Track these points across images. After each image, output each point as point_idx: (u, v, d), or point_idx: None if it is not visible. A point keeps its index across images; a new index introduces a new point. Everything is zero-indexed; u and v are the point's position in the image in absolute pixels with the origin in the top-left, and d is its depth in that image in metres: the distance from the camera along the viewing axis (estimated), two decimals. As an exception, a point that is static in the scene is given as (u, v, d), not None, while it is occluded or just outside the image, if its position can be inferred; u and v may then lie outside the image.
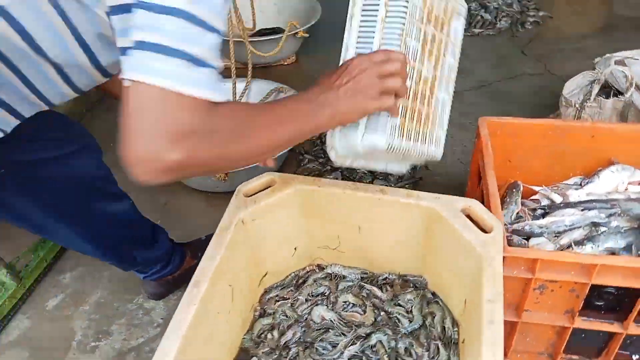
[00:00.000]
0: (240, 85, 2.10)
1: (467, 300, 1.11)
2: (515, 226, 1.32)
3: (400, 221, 1.17)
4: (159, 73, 0.63)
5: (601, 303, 1.13)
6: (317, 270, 1.37)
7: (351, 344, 1.19)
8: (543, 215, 1.37)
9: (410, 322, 1.22)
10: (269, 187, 1.20)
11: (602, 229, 1.27)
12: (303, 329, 1.25)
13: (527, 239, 1.30)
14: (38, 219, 1.10)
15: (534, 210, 1.40)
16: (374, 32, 0.96)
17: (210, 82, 0.67)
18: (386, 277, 1.32)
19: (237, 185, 1.21)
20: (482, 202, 1.16)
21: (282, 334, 1.24)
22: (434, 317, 1.22)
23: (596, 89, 1.67)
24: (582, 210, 1.31)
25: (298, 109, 0.84)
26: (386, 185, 1.80)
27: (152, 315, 1.47)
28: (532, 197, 1.46)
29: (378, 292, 1.29)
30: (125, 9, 0.68)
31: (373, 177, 1.84)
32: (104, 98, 2.53)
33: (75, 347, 1.41)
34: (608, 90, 1.77)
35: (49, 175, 1.05)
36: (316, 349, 1.20)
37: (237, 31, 2.01)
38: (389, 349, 1.18)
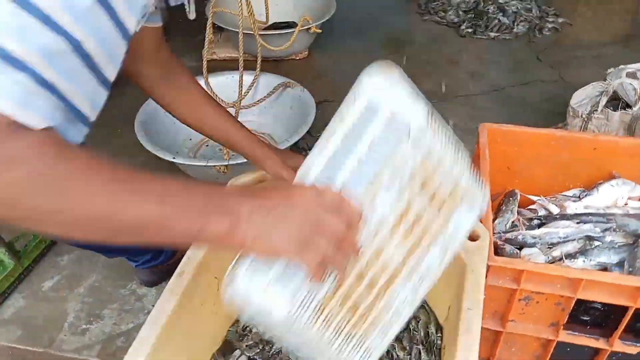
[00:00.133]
0: (249, 78, 2.11)
1: (450, 306, 1.10)
2: (508, 235, 1.31)
3: (389, 224, 1.16)
4: None
5: (587, 318, 1.12)
6: (307, 268, 1.37)
7: (334, 343, 1.19)
8: (539, 226, 1.36)
9: (395, 325, 1.22)
10: (260, 182, 1.20)
11: (596, 243, 1.25)
12: (288, 325, 1.25)
13: (520, 248, 1.29)
14: None
15: (530, 220, 1.39)
16: (343, 165, 0.68)
17: (23, 94, 0.49)
18: (374, 279, 1.32)
19: (238, 177, 1.22)
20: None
21: (267, 328, 1.25)
22: (418, 322, 1.21)
23: (604, 100, 1.64)
24: (578, 223, 1.30)
25: (186, 194, 0.60)
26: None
27: (143, 302, 1.49)
28: (529, 207, 1.45)
29: (365, 293, 1.29)
30: None
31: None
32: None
33: (67, 328, 1.44)
34: (617, 102, 1.74)
35: None
36: (299, 345, 1.21)
37: (247, 24, 2.02)
38: (371, 350, 1.18)
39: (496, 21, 3.07)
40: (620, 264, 1.19)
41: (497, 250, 1.29)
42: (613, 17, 3.28)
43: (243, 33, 1.98)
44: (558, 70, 2.62)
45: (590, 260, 1.21)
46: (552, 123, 2.02)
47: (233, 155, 1.72)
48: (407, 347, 1.18)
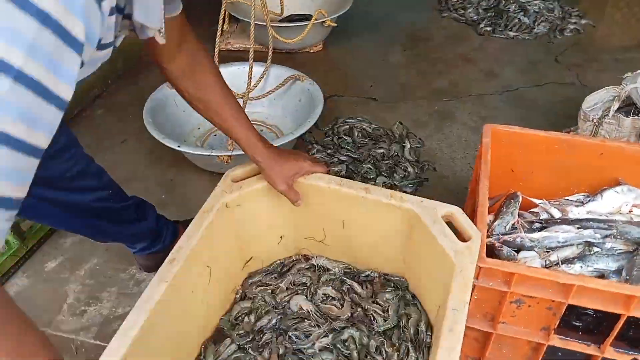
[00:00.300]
0: (260, 70, 2.11)
1: (440, 306, 1.09)
2: (506, 237, 1.29)
3: (383, 221, 1.16)
4: None
5: (579, 324, 1.10)
6: (303, 261, 1.38)
7: (324, 336, 1.20)
8: (540, 229, 1.34)
9: (385, 321, 1.22)
10: (258, 174, 1.21)
11: (596, 249, 1.23)
12: (279, 316, 1.26)
13: (518, 251, 1.27)
14: None
15: (532, 223, 1.37)
16: None
17: None
18: (368, 275, 1.32)
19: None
20: (476, 210, 1.14)
21: (258, 318, 1.26)
22: (409, 319, 1.21)
23: (615, 105, 1.60)
24: (579, 228, 1.27)
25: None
26: (390, 183, 1.80)
27: (142, 287, 1.51)
28: (531, 210, 1.43)
29: (358, 288, 1.29)
30: None
31: (377, 173, 1.83)
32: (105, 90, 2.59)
33: (66, 309, 1.46)
34: (631, 107, 1.69)
35: None
36: (289, 337, 1.21)
37: (261, 15, 2.02)
38: (360, 345, 1.18)
39: (516, 20, 3.02)
40: (618, 272, 1.17)
41: (494, 252, 1.27)
42: (640, 21, 3.20)
43: (256, 24, 1.98)
44: (576, 73, 2.57)
45: (588, 266, 1.19)
46: (564, 126, 1.99)
47: (237, 146, 1.72)
48: (397, 344, 1.18)
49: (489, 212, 1.43)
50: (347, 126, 2.09)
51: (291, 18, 2.74)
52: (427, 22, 3.16)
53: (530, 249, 1.26)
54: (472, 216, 1.18)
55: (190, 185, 1.88)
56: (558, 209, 1.37)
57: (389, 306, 1.24)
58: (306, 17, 2.73)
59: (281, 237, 1.33)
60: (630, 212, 1.33)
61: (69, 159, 1.11)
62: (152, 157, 2.02)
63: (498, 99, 2.38)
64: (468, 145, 2.05)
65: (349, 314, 1.24)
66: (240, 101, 1.91)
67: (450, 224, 1.08)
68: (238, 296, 1.33)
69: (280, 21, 2.69)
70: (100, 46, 0.69)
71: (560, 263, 1.19)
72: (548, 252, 1.25)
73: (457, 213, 1.08)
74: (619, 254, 1.20)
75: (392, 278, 1.30)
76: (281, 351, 1.19)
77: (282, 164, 1.16)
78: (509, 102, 2.36)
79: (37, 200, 1.10)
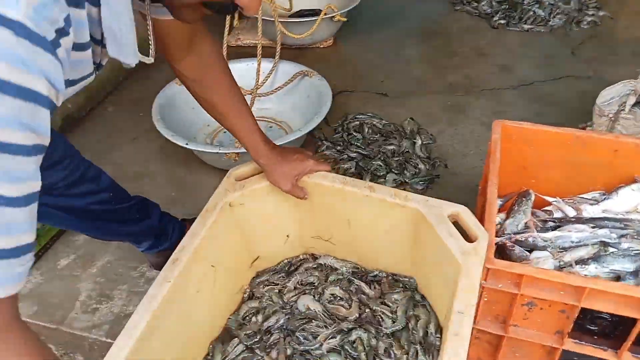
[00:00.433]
0: (269, 66, 2.10)
1: (448, 307, 1.07)
2: (518, 236, 1.26)
3: (388, 220, 1.14)
4: None
5: (594, 327, 1.07)
6: (310, 260, 1.37)
7: (331, 337, 1.19)
8: (554, 228, 1.31)
9: (394, 322, 1.20)
10: (261, 172, 1.19)
11: (611, 249, 1.19)
12: (287, 317, 1.25)
13: (531, 251, 1.24)
14: None
15: (545, 222, 1.33)
16: None
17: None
18: (376, 275, 1.30)
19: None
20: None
21: (266, 318, 1.26)
22: (418, 321, 1.19)
23: (632, 99, 1.56)
24: (593, 227, 1.24)
25: None
26: (401, 180, 1.77)
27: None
28: (544, 208, 1.39)
29: (366, 289, 1.27)
30: None
31: (388, 169, 1.81)
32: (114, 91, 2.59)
33: (79, 307, 1.48)
34: (649, 101, 1.65)
35: None
36: (297, 337, 1.20)
37: (269, 10, 2.00)
38: (368, 346, 1.17)
39: (531, 13, 2.95)
40: (635, 273, 1.13)
41: (506, 252, 1.25)
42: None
43: (266, 20, 1.97)
44: (593, 67, 2.51)
45: (603, 267, 1.15)
46: (581, 122, 1.94)
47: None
48: (406, 346, 1.16)
49: (501, 211, 1.40)
50: (357, 122, 2.06)
51: (301, 13, 2.72)
52: (440, 15, 3.11)
53: (543, 248, 1.23)
54: (482, 215, 1.16)
55: (199, 183, 1.88)
56: (572, 207, 1.34)
57: (397, 307, 1.22)
58: (316, 12, 2.70)
59: (287, 236, 1.32)
60: (647, 210, 1.30)
61: (66, 167, 1.13)
62: (163, 155, 2.02)
63: (513, 93, 2.34)
64: (480, 141, 2.02)
65: (357, 315, 1.23)
66: (249, 98, 1.90)
67: (457, 224, 1.06)
68: (246, 295, 1.32)
69: (290, 16, 2.67)
70: (72, 82, 0.72)
71: (573, 264, 1.16)
72: (561, 252, 1.22)
73: (464, 212, 1.06)
74: (636, 254, 1.16)
75: (401, 278, 1.28)
76: (289, 352, 1.18)
77: (286, 165, 1.16)
78: (524, 97, 2.31)
79: (38, 205, 1.12)
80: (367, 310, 1.24)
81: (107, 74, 2.36)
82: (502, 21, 2.93)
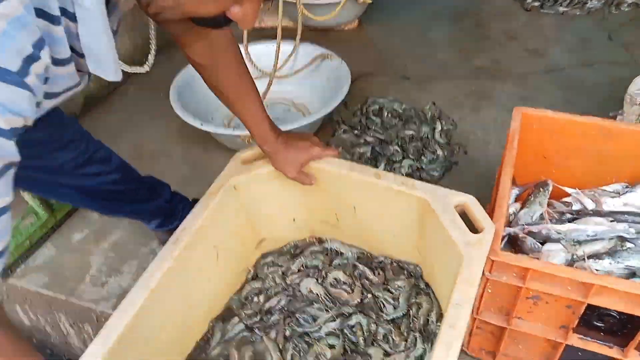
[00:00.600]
0: (288, 48, 2.07)
1: (447, 298, 1.04)
2: (532, 227, 1.21)
3: (394, 207, 1.12)
4: None
5: (601, 324, 1.02)
6: (316, 243, 1.35)
7: (331, 320, 1.18)
8: (571, 221, 1.25)
9: (395, 309, 1.18)
10: (264, 157, 1.18)
11: (628, 244, 1.13)
12: (289, 298, 1.25)
13: (544, 243, 1.19)
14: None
15: (562, 214, 1.28)
16: None
17: None
18: (382, 261, 1.28)
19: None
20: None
21: (267, 299, 1.26)
22: (420, 309, 1.17)
23: (665, 87, 1.47)
24: (612, 221, 1.18)
25: None
26: (417, 166, 1.73)
27: (161, 262, 1.54)
28: (563, 200, 1.34)
29: (369, 275, 1.25)
30: None
31: (404, 155, 1.77)
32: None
33: (89, 280, 1.51)
34: (685, 90, 1.55)
35: (37, 165, 1.08)
36: (297, 319, 1.20)
37: (290, -9, 1.97)
38: (367, 332, 1.15)
39: (568, -6, 2.82)
40: (652, 270, 1.08)
41: (517, 243, 1.20)
42: None
43: (288, 1, 1.94)
44: (631, 52, 2.38)
45: (618, 262, 1.10)
46: (612, 110, 1.84)
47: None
48: (405, 333, 1.14)
49: (517, 200, 1.35)
50: (377, 106, 2.02)
51: (326, -6, 2.67)
52: (471, -3, 3.01)
53: (557, 241, 1.18)
54: (495, 205, 1.11)
55: (215, 164, 1.86)
56: (592, 200, 1.28)
57: (400, 294, 1.20)
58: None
59: (294, 219, 1.31)
60: (672, 205, 1.23)
61: (75, 149, 1.16)
62: (180, 135, 2.03)
63: (542, 79, 2.24)
64: (504, 128, 1.91)
65: (359, 300, 1.21)
66: (266, 80, 1.88)
67: (465, 215, 1.02)
68: (250, 276, 1.32)
69: (314, -3, 2.62)
70: (55, 95, 0.75)
71: (586, 258, 1.11)
72: (575, 245, 1.17)
73: (471, 202, 1.02)
74: (655, 251, 1.10)
75: (406, 265, 1.25)
76: (287, 333, 1.17)
77: (291, 152, 1.15)
78: (554, 83, 2.21)
79: (52, 183, 1.18)
80: (369, 295, 1.22)
81: (130, 54, 2.38)
82: (536, 3, 2.80)
